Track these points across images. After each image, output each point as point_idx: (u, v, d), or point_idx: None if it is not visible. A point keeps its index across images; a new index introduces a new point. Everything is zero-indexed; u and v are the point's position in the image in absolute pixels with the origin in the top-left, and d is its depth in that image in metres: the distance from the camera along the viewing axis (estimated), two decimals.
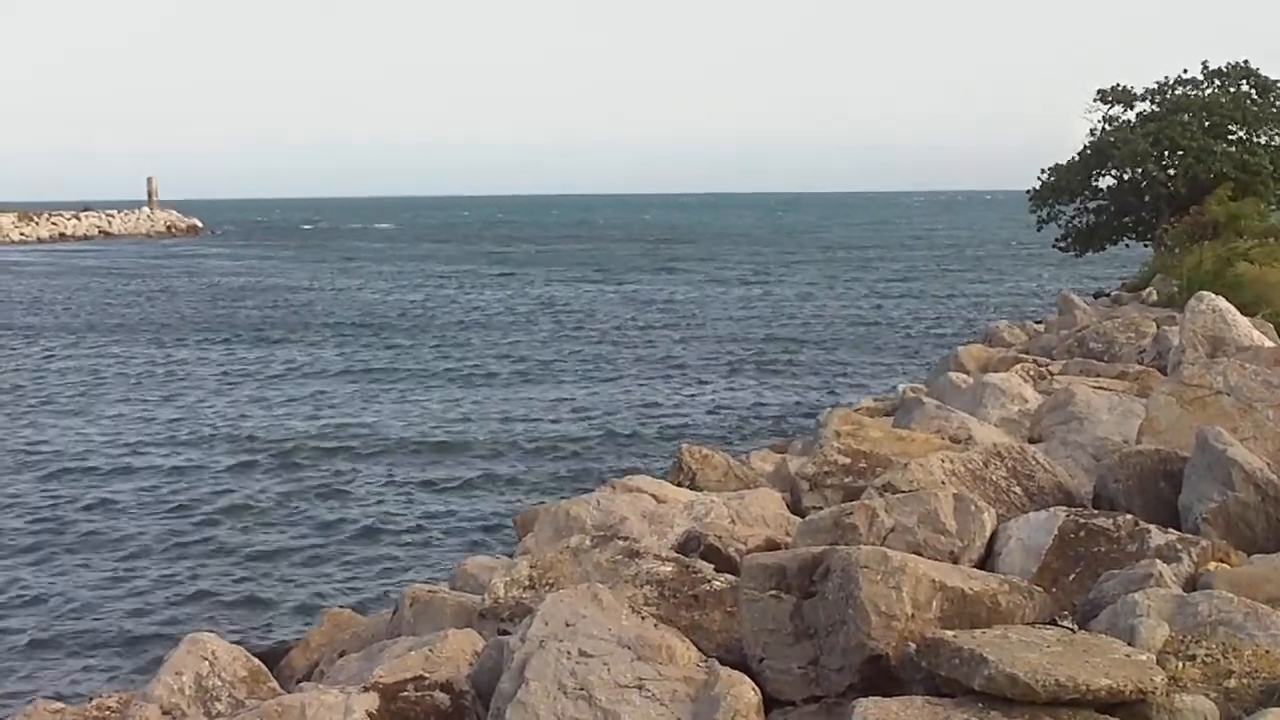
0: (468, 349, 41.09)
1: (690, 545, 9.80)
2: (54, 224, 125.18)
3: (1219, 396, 10.81)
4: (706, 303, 56.17)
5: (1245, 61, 50.18)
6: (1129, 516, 8.43)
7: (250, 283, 70.46)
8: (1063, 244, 52.74)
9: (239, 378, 35.13)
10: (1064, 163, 51.62)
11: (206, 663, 8.29)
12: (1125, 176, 50.27)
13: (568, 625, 6.99)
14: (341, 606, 13.86)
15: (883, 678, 6.58)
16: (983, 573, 7.55)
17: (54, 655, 14.96)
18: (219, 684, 8.23)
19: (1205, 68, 50.15)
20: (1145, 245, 50.16)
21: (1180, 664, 6.29)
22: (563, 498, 16.72)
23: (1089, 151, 50.95)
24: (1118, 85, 51.39)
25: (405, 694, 7.47)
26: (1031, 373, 18.41)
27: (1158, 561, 7.57)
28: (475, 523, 20.23)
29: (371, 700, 7.35)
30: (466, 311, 53.46)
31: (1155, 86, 50.78)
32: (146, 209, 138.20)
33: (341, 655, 10.14)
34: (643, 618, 7.18)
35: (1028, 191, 52.63)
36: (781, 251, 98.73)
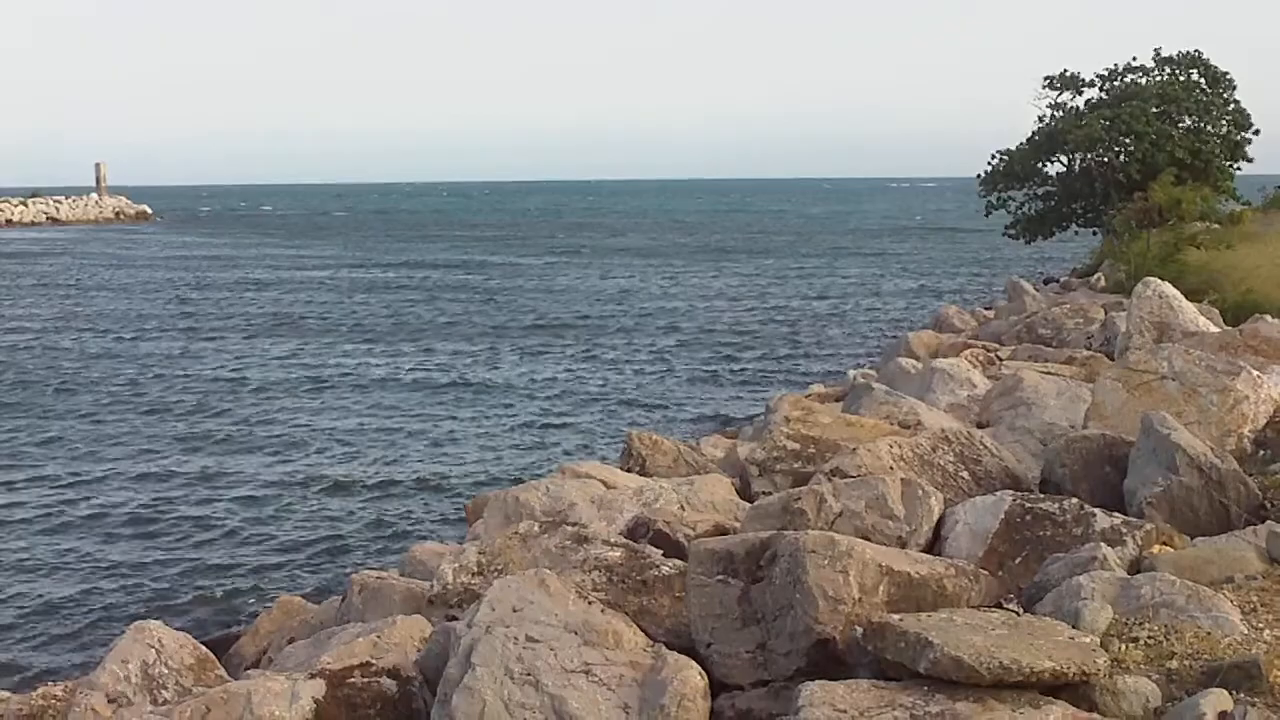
0: (414, 337, 40.88)
1: (639, 531, 9.82)
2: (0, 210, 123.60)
3: (1164, 381, 10.92)
4: (658, 291, 56.12)
5: (1197, 51, 50.62)
6: (1075, 500, 8.51)
7: (198, 278, 69.92)
8: (1012, 231, 52.98)
9: (185, 368, 34.81)
10: (1014, 148, 51.85)
11: (153, 650, 8.24)
12: (1076, 162, 50.52)
13: (515, 611, 6.99)
14: (292, 593, 13.81)
15: (830, 661, 6.60)
16: (929, 557, 7.59)
17: None
18: (165, 671, 8.17)
19: (1158, 54, 50.52)
20: (1094, 234, 50.46)
21: (1123, 646, 6.36)
22: (514, 481, 16.74)
23: (1038, 138, 51.19)
24: (1065, 71, 51.67)
25: (352, 680, 7.45)
26: (981, 358, 18.55)
27: (1102, 545, 7.64)
28: (426, 509, 20.17)
29: (318, 687, 7.32)
30: (415, 300, 53.21)
31: (1105, 73, 51.09)
32: (95, 195, 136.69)
33: (290, 642, 10.11)
34: (590, 603, 7.18)
35: (978, 175, 52.79)
36: (737, 238, 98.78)
